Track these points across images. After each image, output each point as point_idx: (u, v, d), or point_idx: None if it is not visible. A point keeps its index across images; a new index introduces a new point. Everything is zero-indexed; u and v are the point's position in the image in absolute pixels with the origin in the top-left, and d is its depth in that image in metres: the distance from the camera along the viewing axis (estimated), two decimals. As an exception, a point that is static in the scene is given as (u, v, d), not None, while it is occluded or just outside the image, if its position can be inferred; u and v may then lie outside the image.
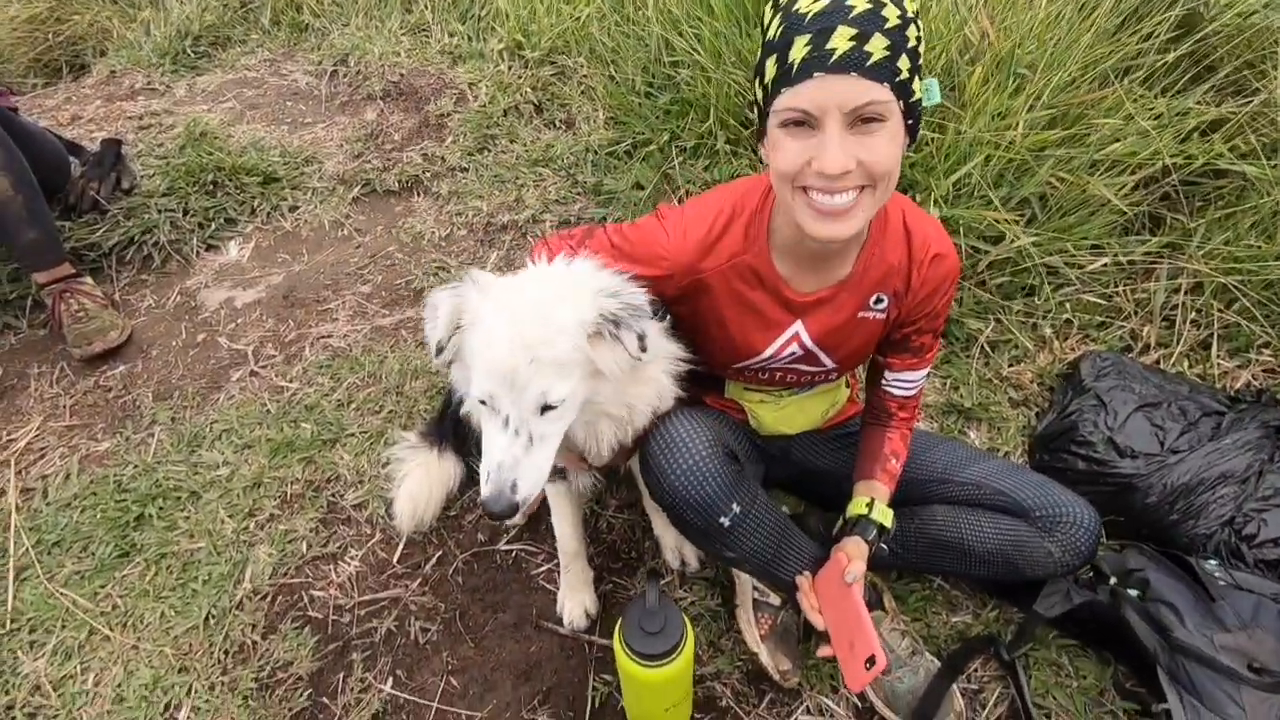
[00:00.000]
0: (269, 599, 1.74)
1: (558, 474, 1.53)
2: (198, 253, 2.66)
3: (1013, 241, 2.21)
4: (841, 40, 0.97)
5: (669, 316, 1.40)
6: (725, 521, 1.34)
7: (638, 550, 1.84)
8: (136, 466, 1.99)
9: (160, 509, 1.90)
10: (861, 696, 1.54)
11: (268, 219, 2.80)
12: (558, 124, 3.13)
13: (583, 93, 3.16)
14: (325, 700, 1.58)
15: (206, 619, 1.69)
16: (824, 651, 1.38)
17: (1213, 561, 1.58)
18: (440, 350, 1.19)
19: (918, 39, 1.02)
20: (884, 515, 1.43)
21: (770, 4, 1.08)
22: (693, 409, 1.38)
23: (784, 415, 1.57)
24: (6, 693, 1.59)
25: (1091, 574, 1.62)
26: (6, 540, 1.84)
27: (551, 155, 2.95)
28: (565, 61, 3.28)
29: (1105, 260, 2.26)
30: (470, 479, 1.91)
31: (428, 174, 2.95)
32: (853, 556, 1.38)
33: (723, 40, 2.70)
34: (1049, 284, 2.27)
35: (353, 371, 2.24)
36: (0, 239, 2.31)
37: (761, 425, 1.59)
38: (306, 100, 3.45)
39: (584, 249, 1.32)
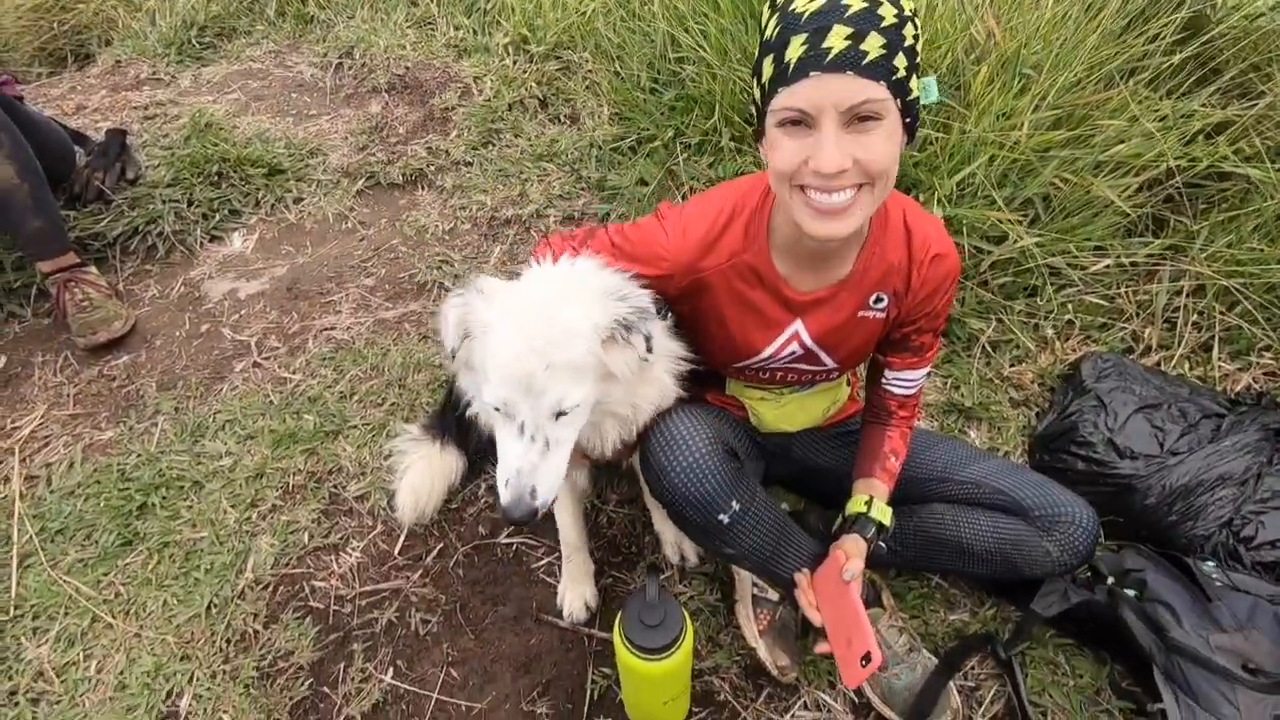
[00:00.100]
0: (271, 589, 1.75)
1: None
2: (202, 244, 2.67)
3: (1016, 242, 2.21)
4: (837, 39, 0.97)
5: (670, 315, 1.41)
6: (724, 519, 1.35)
7: (638, 545, 1.85)
8: (140, 456, 2.00)
9: (163, 498, 1.91)
10: (858, 692, 1.55)
11: (272, 211, 2.80)
12: (562, 119, 3.13)
13: (587, 88, 3.16)
14: (326, 690, 1.59)
15: (208, 608, 1.71)
16: (821, 648, 1.39)
17: (1210, 563, 1.59)
18: (454, 356, 1.21)
19: (915, 37, 1.02)
20: (883, 513, 1.44)
21: (768, 4, 1.09)
22: (693, 406, 1.39)
23: (785, 413, 1.58)
24: (10, 678, 1.60)
25: (1089, 574, 1.63)
26: (10, 527, 1.86)
27: (556, 150, 2.95)
28: (570, 56, 3.28)
29: (1108, 262, 2.26)
30: (472, 472, 1.92)
31: (432, 167, 2.96)
32: (851, 554, 1.38)
33: (728, 37, 2.70)
34: (1051, 284, 2.27)
35: (355, 364, 2.24)
36: (5, 227, 2.32)
37: (762, 422, 1.59)
38: (311, 92, 3.45)
39: (585, 249, 1.32)
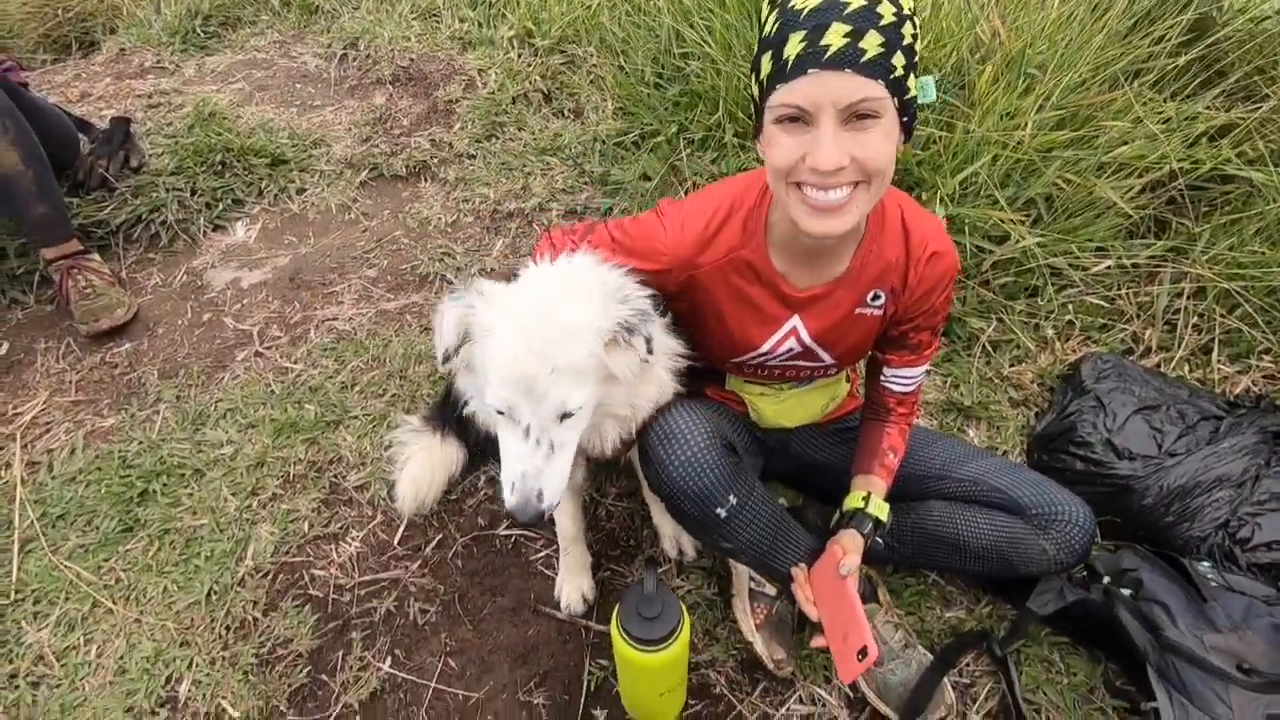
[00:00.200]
0: (270, 577, 1.76)
1: None
2: (205, 233, 2.67)
3: (1018, 242, 2.22)
4: (836, 37, 0.97)
5: (669, 313, 1.41)
6: (722, 513, 1.36)
7: (636, 539, 1.86)
8: (141, 443, 2.01)
9: (164, 485, 1.92)
10: (854, 687, 1.56)
11: (275, 201, 2.81)
12: (566, 113, 3.13)
13: (592, 82, 3.16)
14: (324, 677, 1.60)
15: (208, 595, 1.71)
16: (817, 642, 1.40)
17: (1206, 563, 1.59)
18: (448, 359, 1.20)
19: (913, 36, 1.03)
20: (880, 509, 1.44)
21: (767, 1, 1.09)
22: (692, 401, 1.39)
23: (784, 409, 1.58)
24: (10, 661, 1.61)
25: (1085, 573, 1.63)
26: (12, 513, 1.86)
27: (559, 144, 2.95)
28: (575, 50, 3.28)
29: (1109, 263, 2.26)
30: (472, 464, 1.93)
31: (435, 160, 2.96)
32: (848, 549, 1.39)
33: (733, 33, 2.70)
34: (1052, 285, 2.28)
35: (357, 355, 2.25)
36: (9, 213, 2.33)
37: (761, 418, 1.60)
38: (315, 83, 3.45)
39: (586, 244, 1.33)
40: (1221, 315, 2.18)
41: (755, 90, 1.12)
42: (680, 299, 1.37)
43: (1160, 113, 2.34)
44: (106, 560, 1.78)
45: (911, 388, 1.49)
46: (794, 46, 1.00)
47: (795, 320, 1.35)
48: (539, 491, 1.15)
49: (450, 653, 1.64)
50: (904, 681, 1.50)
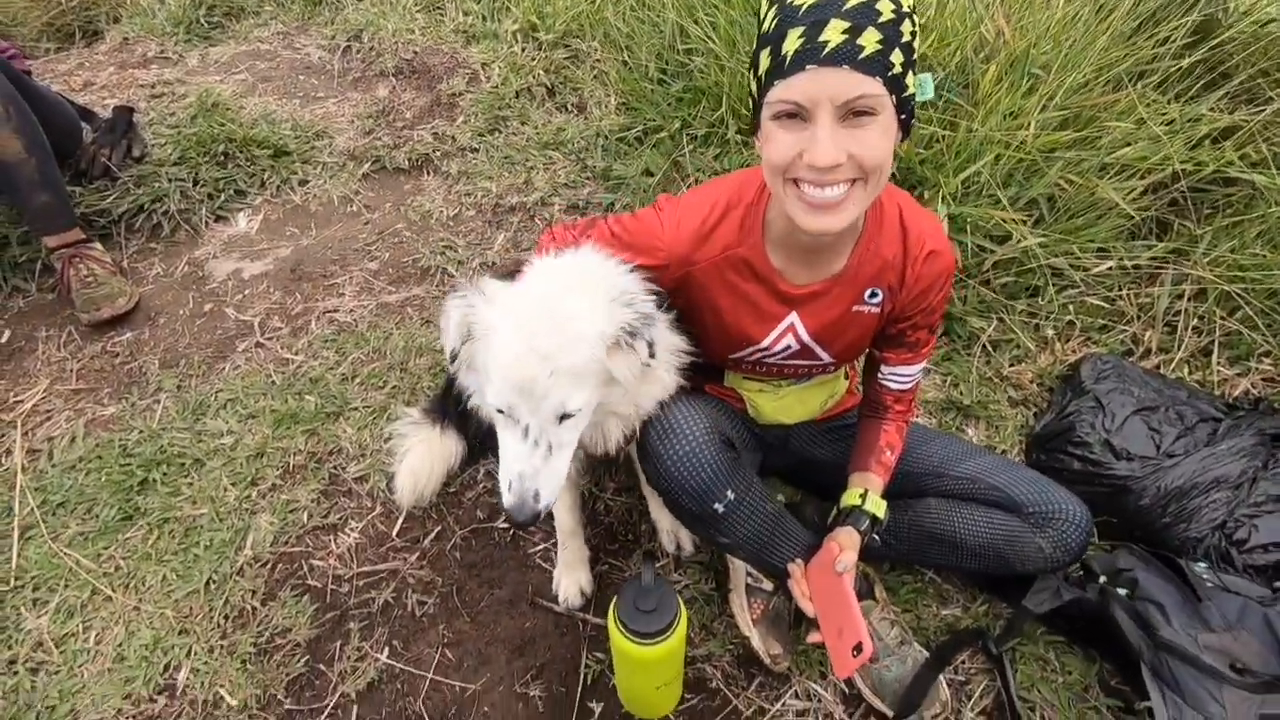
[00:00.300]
0: (269, 566, 1.76)
1: None
2: (207, 223, 2.67)
3: (1019, 241, 2.22)
4: (834, 33, 0.97)
5: (673, 309, 1.41)
6: (719, 508, 1.36)
7: (634, 533, 1.87)
8: (142, 432, 2.02)
9: (164, 474, 1.92)
10: (849, 683, 1.57)
11: (277, 192, 2.81)
12: (569, 108, 3.13)
13: (595, 77, 3.16)
14: (322, 667, 1.61)
15: (207, 584, 1.72)
16: (813, 638, 1.41)
17: (1202, 564, 1.60)
18: (454, 358, 1.21)
19: (912, 34, 1.03)
20: (877, 506, 1.45)
21: None
22: (691, 396, 1.39)
23: (783, 405, 1.59)
24: (10, 648, 1.62)
25: (1081, 572, 1.64)
26: (12, 500, 1.87)
27: (562, 139, 2.95)
28: (579, 45, 3.27)
29: (1110, 264, 2.26)
30: (471, 456, 1.93)
31: (438, 153, 2.96)
32: (845, 546, 1.39)
33: (737, 29, 2.69)
34: (1053, 285, 2.28)
35: (358, 346, 2.25)
36: (12, 201, 2.33)
37: (760, 414, 1.60)
38: (319, 75, 3.45)
39: (586, 239, 1.33)
40: (1222, 317, 2.18)
41: (753, 86, 1.12)
42: (677, 295, 1.37)
43: (1164, 114, 2.34)
44: (106, 548, 1.78)
45: (909, 385, 1.49)
46: (792, 42, 1.00)
47: (793, 317, 1.35)
48: (535, 492, 1.15)
49: (448, 644, 1.65)
50: (899, 678, 1.51)
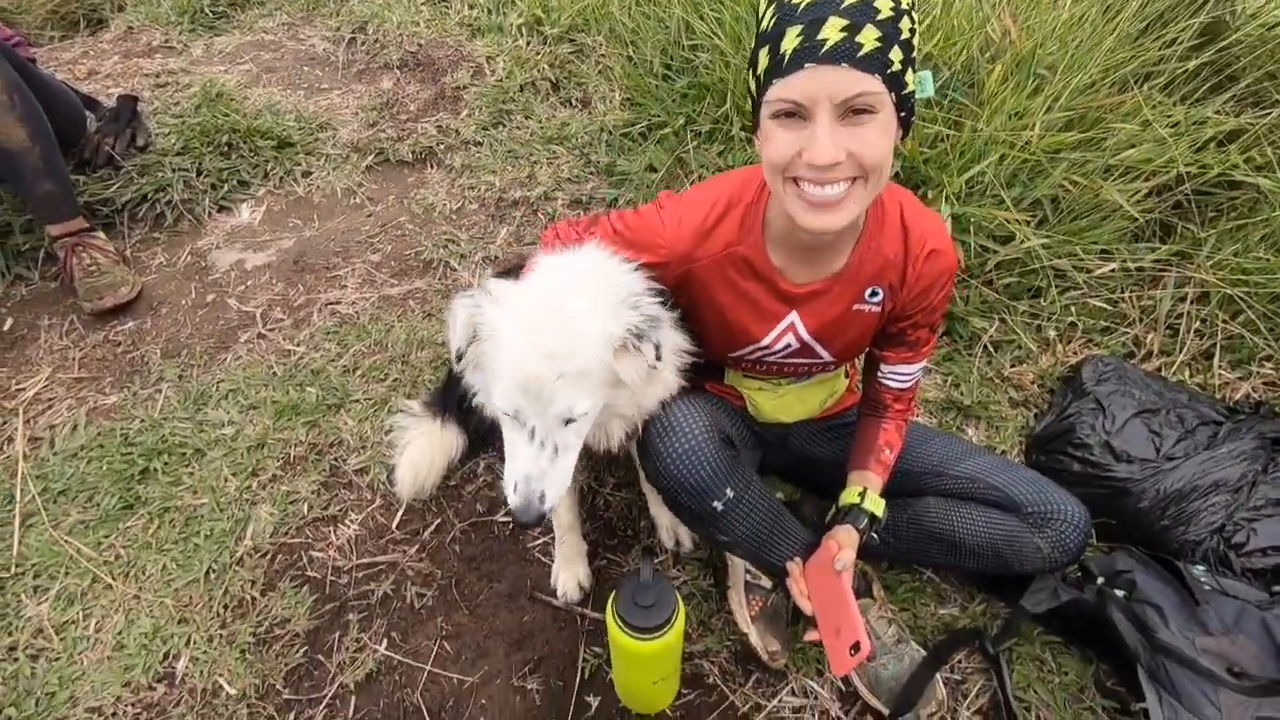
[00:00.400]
0: (269, 557, 1.77)
1: None
2: (210, 213, 2.67)
3: (1022, 242, 2.21)
4: (833, 31, 0.97)
5: (676, 308, 1.41)
6: (718, 506, 1.36)
7: (634, 528, 1.87)
8: (143, 421, 2.02)
9: (165, 464, 1.93)
10: (846, 680, 1.57)
11: (280, 183, 2.80)
12: (574, 102, 3.12)
13: (600, 72, 3.15)
14: (320, 658, 1.61)
15: (207, 573, 1.73)
16: (811, 636, 1.41)
17: (1200, 567, 1.60)
18: (460, 358, 1.21)
19: (911, 30, 1.02)
20: (876, 505, 1.45)
21: None
22: (691, 395, 1.39)
23: (782, 403, 1.59)
24: (10, 634, 1.63)
25: (1079, 573, 1.64)
26: (14, 487, 1.87)
27: (566, 133, 2.94)
28: (584, 40, 3.27)
29: (1113, 266, 2.26)
30: (471, 450, 1.93)
31: (441, 146, 2.95)
32: (843, 544, 1.39)
33: (743, 25, 2.69)
34: (1056, 286, 2.28)
35: (359, 339, 2.25)
36: (16, 189, 2.33)
37: (760, 412, 1.60)
38: (323, 66, 3.44)
39: (589, 235, 1.33)
40: (1224, 321, 2.18)
41: (752, 85, 1.12)
42: (679, 293, 1.36)
43: (1169, 116, 2.33)
44: (107, 536, 1.79)
45: (909, 384, 1.49)
46: (790, 41, 1.00)
47: (793, 316, 1.35)
48: (541, 493, 1.16)
49: (446, 637, 1.65)
50: (896, 676, 1.52)
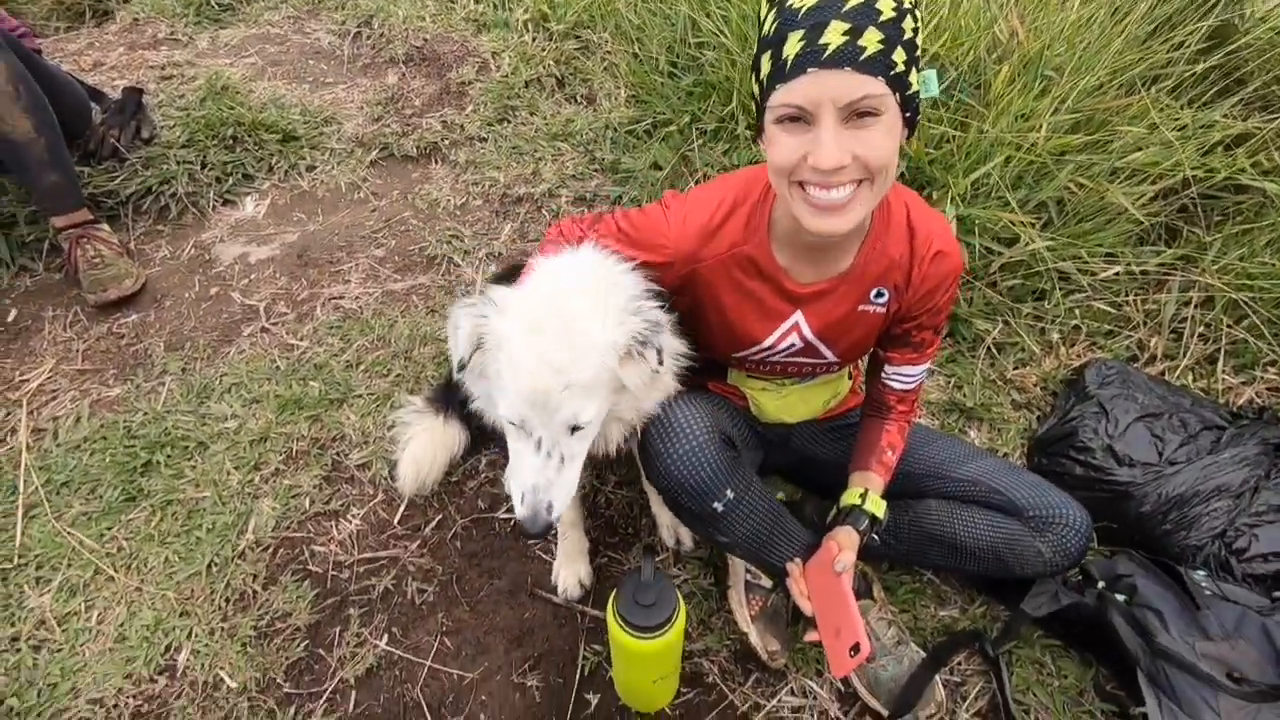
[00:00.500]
0: (271, 551, 1.77)
1: None
2: (214, 207, 2.67)
3: (1027, 244, 2.21)
4: (835, 35, 0.97)
5: (674, 311, 1.41)
6: (719, 507, 1.36)
7: (634, 527, 1.87)
8: (146, 414, 2.02)
9: (168, 457, 1.93)
10: (845, 681, 1.57)
11: (285, 177, 2.80)
12: (579, 99, 3.12)
13: (605, 69, 3.15)
14: (321, 652, 1.62)
15: (209, 566, 1.73)
16: (810, 636, 1.41)
17: (1201, 572, 1.60)
18: (464, 367, 1.21)
19: (914, 30, 1.02)
20: (877, 506, 1.45)
21: (766, 0, 1.08)
22: (692, 395, 1.39)
23: (785, 404, 1.59)
24: (13, 625, 1.63)
25: (1080, 577, 1.64)
26: (17, 478, 1.88)
27: (571, 130, 2.94)
28: (590, 36, 3.26)
29: (1118, 269, 2.26)
30: (473, 446, 1.94)
31: (446, 142, 2.95)
32: (844, 545, 1.40)
33: (749, 23, 2.68)
34: (1060, 289, 2.27)
35: (363, 334, 2.26)
36: (21, 180, 2.33)
37: (763, 412, 1.60)
38: (328, 60, 3.44)
39: (593, 234, 1.33)
40: (1229, 325, 2.18)
41: (755, 90, 1.12)
42: (683, 293, 1.36)
43: (1176, 119, 2.32)
44: (109, 528, 1.79)
45: (912, 385, 1.49)
46: (793, 46, 0.99)
47: (797, 316, 1.35)
48: (549, 504, 1.16)
49: (447, 632, 1.66)
50: (895, 677, 1.52)
